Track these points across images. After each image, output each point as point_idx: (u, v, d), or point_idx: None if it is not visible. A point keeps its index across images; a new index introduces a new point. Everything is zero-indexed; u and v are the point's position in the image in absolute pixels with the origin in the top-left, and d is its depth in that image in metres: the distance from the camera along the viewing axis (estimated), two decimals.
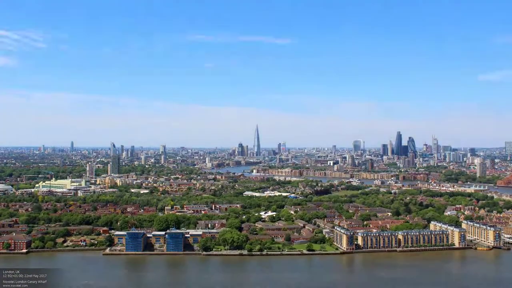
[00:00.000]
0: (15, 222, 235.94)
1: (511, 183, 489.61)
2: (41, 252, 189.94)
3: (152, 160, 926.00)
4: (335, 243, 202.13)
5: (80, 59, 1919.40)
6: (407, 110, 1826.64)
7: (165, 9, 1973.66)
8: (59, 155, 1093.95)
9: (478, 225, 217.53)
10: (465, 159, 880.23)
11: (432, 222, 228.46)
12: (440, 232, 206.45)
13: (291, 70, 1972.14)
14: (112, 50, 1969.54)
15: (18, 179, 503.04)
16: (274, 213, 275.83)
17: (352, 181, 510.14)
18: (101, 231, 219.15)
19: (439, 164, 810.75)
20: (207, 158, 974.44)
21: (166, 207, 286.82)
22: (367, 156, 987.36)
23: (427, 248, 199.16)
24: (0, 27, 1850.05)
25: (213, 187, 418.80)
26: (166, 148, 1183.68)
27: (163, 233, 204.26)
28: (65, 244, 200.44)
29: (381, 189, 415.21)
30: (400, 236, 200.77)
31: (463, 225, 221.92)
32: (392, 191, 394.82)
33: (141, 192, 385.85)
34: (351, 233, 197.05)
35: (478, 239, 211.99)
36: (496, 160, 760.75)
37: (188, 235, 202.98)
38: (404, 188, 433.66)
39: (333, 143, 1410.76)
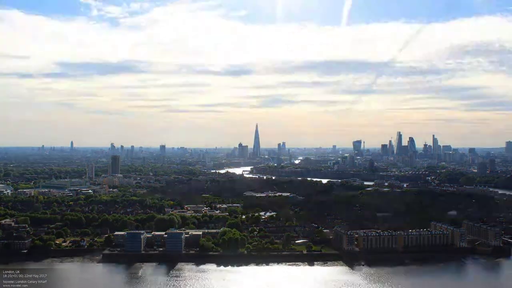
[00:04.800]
0: (15, 222, 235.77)
1: (511, 183, 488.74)
2: (41, 252, 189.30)
3: (152, 160, 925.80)
4: (335, 244, 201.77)
5: None
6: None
7: None
8: (59, 155, 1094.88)
9: (478, 225, 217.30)
10: (465, 159, 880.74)
11: (432, 223, 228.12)
12: (440, 233, 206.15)
13: None
14: None
15: (18, 179, 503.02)
16: (274, 213, 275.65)
17: (352, 181, 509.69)
18: (101, 231, 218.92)
19: (439, 164, 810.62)
20: (206, 158, 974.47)
21: (166, 207, 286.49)
22: (367, 156, 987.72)
23: (428, 248, 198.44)
24: None
25: (213, 187, 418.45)
26: (165, 148, 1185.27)
27: (163, 233, 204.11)
28: (64, 244, 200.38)
29: (381, 189, 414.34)
30: (400, 237, 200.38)
31: (464, 226, 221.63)
32: (392, 191, 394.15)
33: (141, 192, 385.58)
34: (351, 234, 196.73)
35: (478, 239, 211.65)
36: (496, 160, 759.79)
37: (188, 235, 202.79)
38: (404, 188, 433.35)
39: (333, 143, 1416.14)
